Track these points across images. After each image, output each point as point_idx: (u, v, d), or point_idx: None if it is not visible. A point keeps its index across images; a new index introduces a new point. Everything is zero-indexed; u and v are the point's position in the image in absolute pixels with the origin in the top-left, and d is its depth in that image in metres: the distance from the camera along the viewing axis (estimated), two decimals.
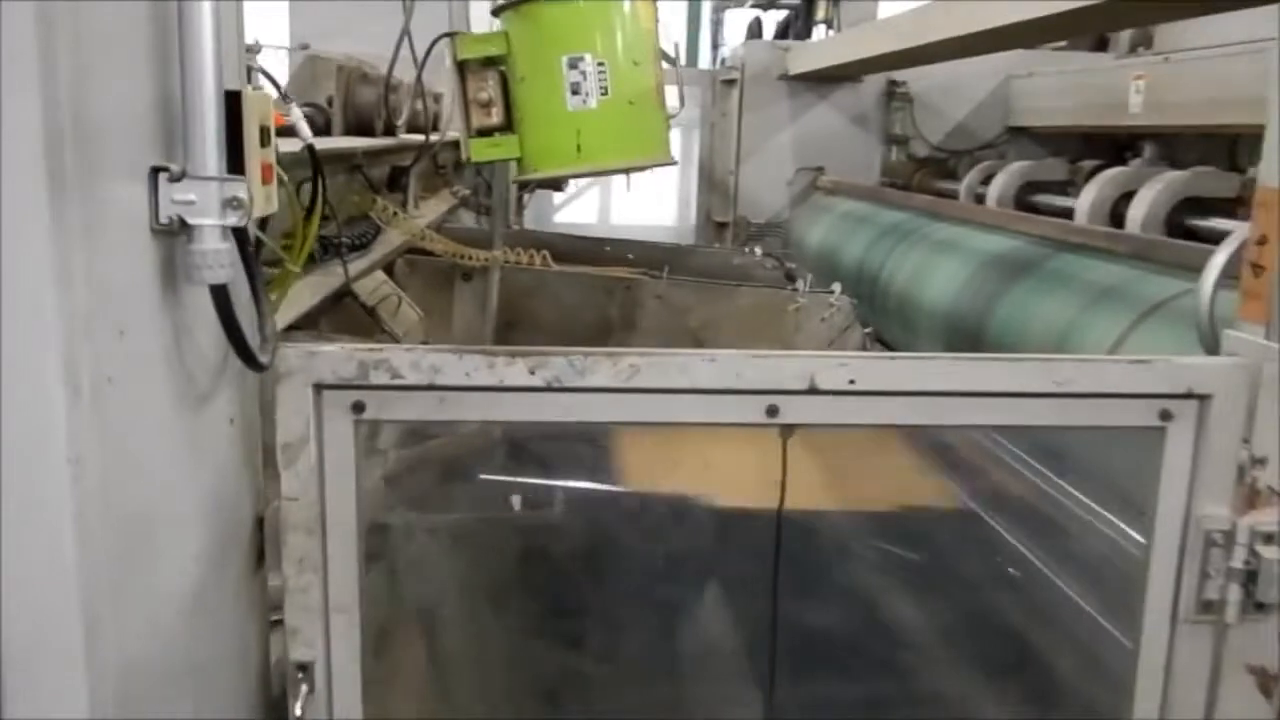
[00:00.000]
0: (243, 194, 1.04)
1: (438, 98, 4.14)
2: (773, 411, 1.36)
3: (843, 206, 5.61)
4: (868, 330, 3.59)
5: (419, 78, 3.14)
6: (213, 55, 1.02)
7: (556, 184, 5.34)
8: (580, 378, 1.33)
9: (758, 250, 4.40)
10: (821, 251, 5.36)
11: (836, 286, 3.62)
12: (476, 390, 1.32)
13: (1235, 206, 3.69)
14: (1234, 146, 5.06)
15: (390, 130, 3.47)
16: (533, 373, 1.32)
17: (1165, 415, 1.39)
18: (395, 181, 3.76)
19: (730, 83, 6.53)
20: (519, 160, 2.99)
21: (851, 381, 1.34)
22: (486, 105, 3.00)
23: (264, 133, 1.19)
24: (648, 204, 7.73)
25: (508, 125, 3.00)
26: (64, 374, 0.89)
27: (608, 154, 2.91)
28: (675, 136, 3.03)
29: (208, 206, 1.03)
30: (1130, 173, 4.10)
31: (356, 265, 2.50)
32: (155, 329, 1.06)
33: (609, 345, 3.65)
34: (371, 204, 3.06)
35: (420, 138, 3.77)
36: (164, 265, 1.06)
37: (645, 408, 1.35)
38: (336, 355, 1.30)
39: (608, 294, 3.59)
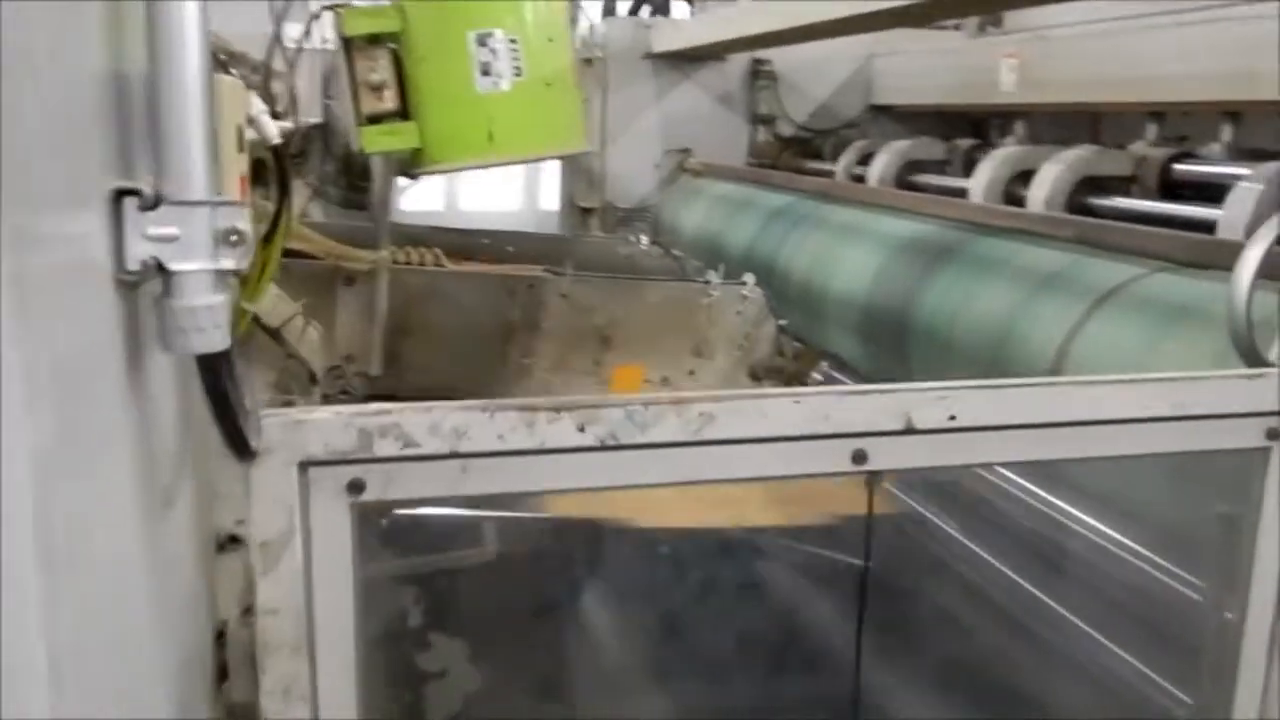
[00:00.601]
0: (244, 224, 0.73)
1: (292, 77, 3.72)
2: (860, 457, 1.13)
3: (717, 189, 5.45)
4: (781, 323, 3.42)
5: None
6: (197, 23, 0.70)
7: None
8: (641, 433, 1.07)
9: (643, 238, 4.17)
10: (699, 237, 5.17)
11: (749, 278, 3.43)
12: (511, 455, 1.04)
13: (1129, 185, 3.70)
14: (1096, 124, 5.17)
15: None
16: (582, 429, 1.05)
17: (1274, 434, 1.24)
18: (258, 176, 3.34)
19: (589, 61, 6.26)
20: (417, 151, 2.66)
21: (952, 417, 1.14)
22: (378, 89, 2.65)
23: (238, 134, 0.87)
24: (497, 189, 7.39)
25: (403, 111, 2.67)
26: None
27: (524, 142, 2.62)
28: None
29: (196, 243, 0.72)
30: (1023, 152, 4.08)
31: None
32: (116, 419, 0.74)
33: (511, 350, 3.36)
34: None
35: (284, 125, 3.35)
36: (128, 329, 0.74)
37: (716, 463, 1.10)
38: (330, 423, 1.00)
39: (509, 294, 3.28)
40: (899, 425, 1.13)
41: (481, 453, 1.02)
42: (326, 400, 2.14)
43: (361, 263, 3.07)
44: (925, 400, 1.13)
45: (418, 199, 6.95)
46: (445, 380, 3.29)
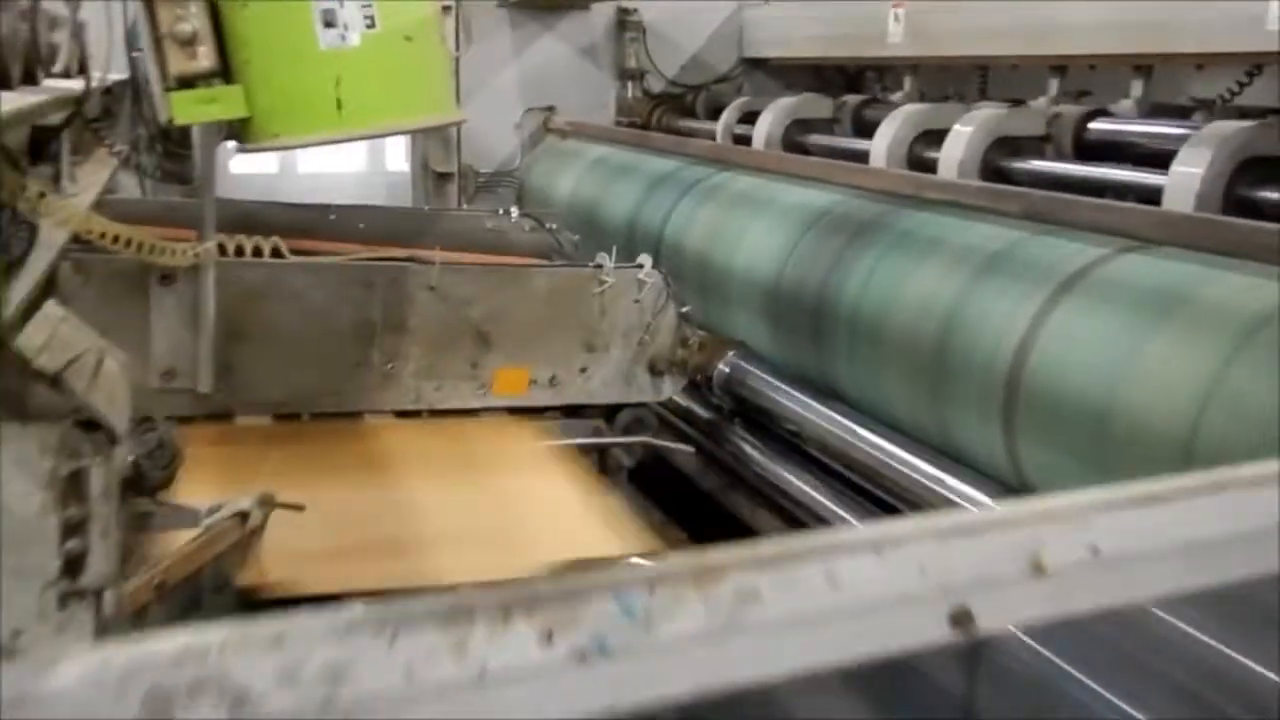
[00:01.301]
0: None
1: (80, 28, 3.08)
2: (961, 618, 0.74)
3: (591, 152, 4.99)
4: (685, 310, 3.02)
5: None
6: None
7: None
8: (645, 632, 0.64)
9: (514, 210, 3.70)
10: (573, 207, 4.71)
11: (645, 259, 3.01)
12: (428, 698, 0.60)
13: (1043, 145, 3.43)
14: (984, 79, 4.93)
15: (32, 77, 2.44)
16: (549, 639, 0.61)
17: None
18: (40, 150, 2.71)
19: (445, 9, 5.65)
20: (246, 122, 2.13)
21: (1096, 550, 0.76)
22: (189, 43, 2.09)
23: None
24: (338, 149, 6.69)
25: (223, 71, 2.12)
26: None
27: (381, 111, 2.11)
28: None
29: None
30: (927, 110, 3.77)
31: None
32: None
33: (372, 354, 2.85)
34: (19, 189, 2.07)
35: (71, 85, 2.74)
36: None
37: (758, 656, 0.69)
38: (88, 677, 0.53)
39: (366, 288, 2.77)
40: (1020, 569, 0.75)
41: (377, 698, 0.58)
42: (134, 478, 1.63)
43: (181, 257, 2.50)
44: (1061, 530, 0.75)
45: (245, 162, 6.18)
46: (292, 394, 2.77)
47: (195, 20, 2.08)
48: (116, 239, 2.35)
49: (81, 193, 2.75)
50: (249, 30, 2.05)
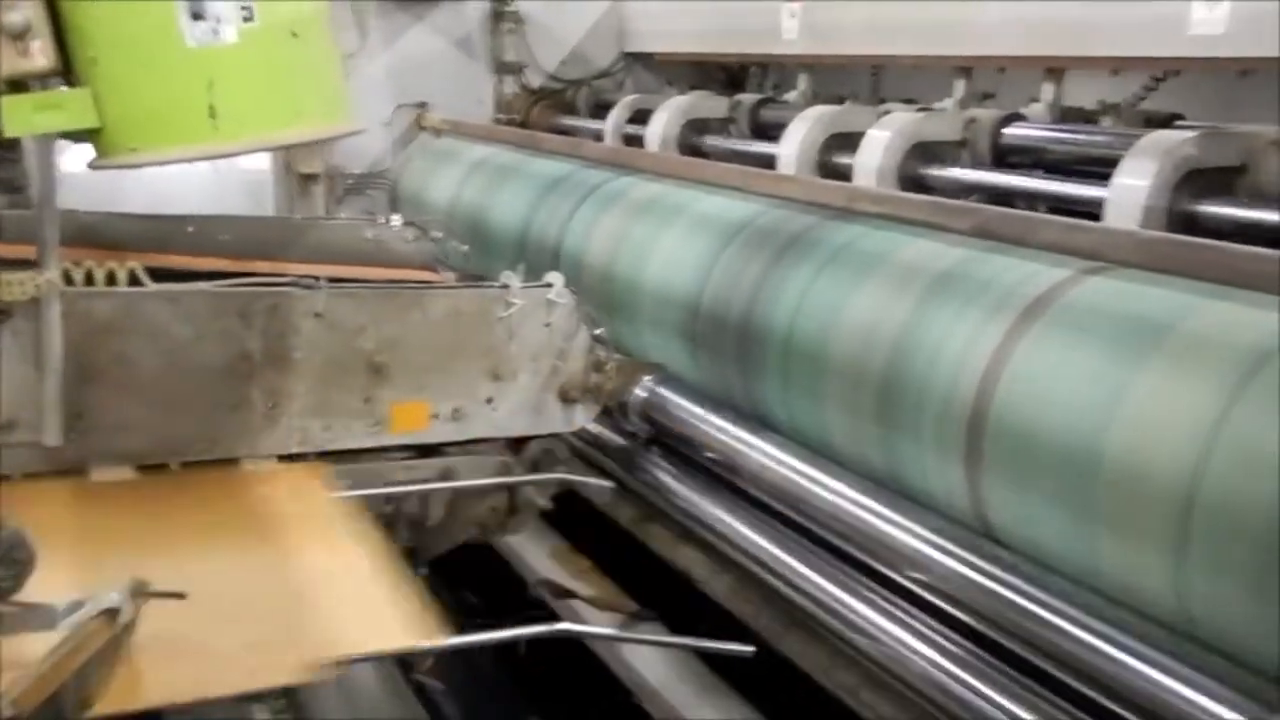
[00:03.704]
0: None
1: None
2: None
3: (471, 153, 4.68)
4: (598, 332, 2.77)
5: None
6: None
7: None
8: None
9: (395, 218, 3.37)
10: (454, 212, 4.40)
11: (556, 278, 2.75)
12: None
13: (959, 150, 3.31)
14: (877, 78, 4.83)
15: None
16: None
17: None
18: None
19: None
20: (97, 133, 1.77)
21: None
22: (21, 36, 1.73)
23: None
24: None
25: (64, 72, 1.77)
26: None
27: (263, 119, 1.79)
28: None
29: None
30: (837, 112, 3.60)
31: None
32: None
33: (251, 392, 2.49)
34: None
35: None
36: None
37: None
38: None
39: (242, 319, 2.42)
40: None
41: None
42: None
43: (16, 289, 2.11)
44: None
45: (76, 158, 5.57)
46: (155, 442, 2.39)
47: (27, 9, 1.71)
48: None
49: None
50: (94, 23, 1.70)
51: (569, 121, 5.32)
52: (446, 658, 2.85)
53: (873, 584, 2.27)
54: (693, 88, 4.98)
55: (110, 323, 2.32)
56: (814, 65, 4.58)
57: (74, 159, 6.10)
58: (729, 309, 2.73)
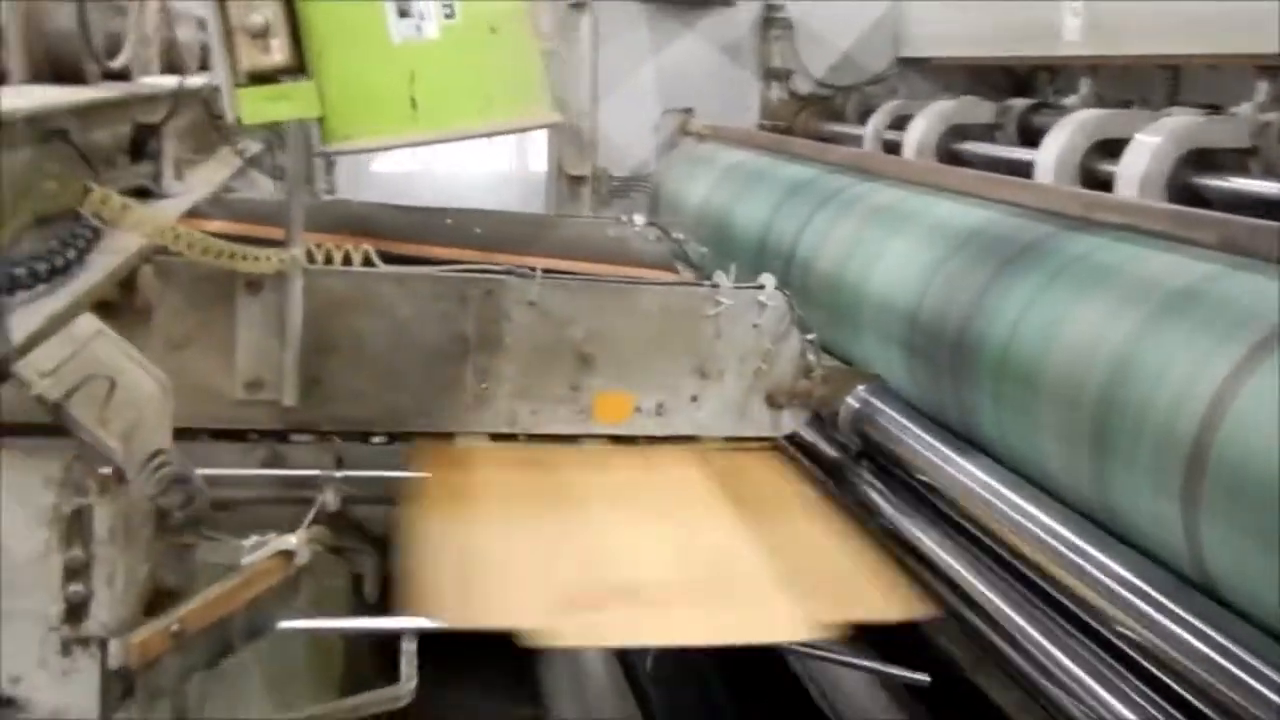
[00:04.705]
0: None
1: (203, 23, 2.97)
2: None
3: (727, 157, 4.70)
4: (810, 337, 2.70)
5: None
6: None
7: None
8: None
9: (637, 217, 3.44)
10: (704, 215, 4.44)
11: (768, 279, 2.71)
12: None
13: (1247, 159, 2.95)
14: (1174, 82, 4.40)
15: (117, 73, 2.31)
16: None
17: None
18: (141, 147, 2.60)
19: (579, 6, 5.48)
20: (320, 121, 1.94)
21: None
22: (262, 35, 1.92)
23: None
24: (482, 145, 6.52)
25: (299, 66, 1.94)
26: None
27: (461, 110, 1.88)
28: None
29: None
30: (1104, 116, 3.32)
31: (30, 317, 1.41)
32: None
33: (465, 372, 2.63)
34: (84, 193, 1.93)
35: (171, 80, 2.61)
36: None
37: None
38: None
39: (460, 303, 2.56)
40: None
41: None
42: (160, 518, 1.46)
43: (265, 264, 2.34)
44: None
45: (386, 160, 6.10)
46: (380, 411, 2.58)
47: (269, 11, 1.90)
48: (192, 246, 2.19)
49: (186, 193, 2.62)
50: (320, 21, 1.85)
51: (831, 128, 5.23)
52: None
53: (1074, 630, 2.06)
54: (971, 94, 4.75)
55: (344, 299, 2.52)
56: (1098, 67, 4.24)
57: (385, 162, 6.64)
58: (947, 320, 2.58)
